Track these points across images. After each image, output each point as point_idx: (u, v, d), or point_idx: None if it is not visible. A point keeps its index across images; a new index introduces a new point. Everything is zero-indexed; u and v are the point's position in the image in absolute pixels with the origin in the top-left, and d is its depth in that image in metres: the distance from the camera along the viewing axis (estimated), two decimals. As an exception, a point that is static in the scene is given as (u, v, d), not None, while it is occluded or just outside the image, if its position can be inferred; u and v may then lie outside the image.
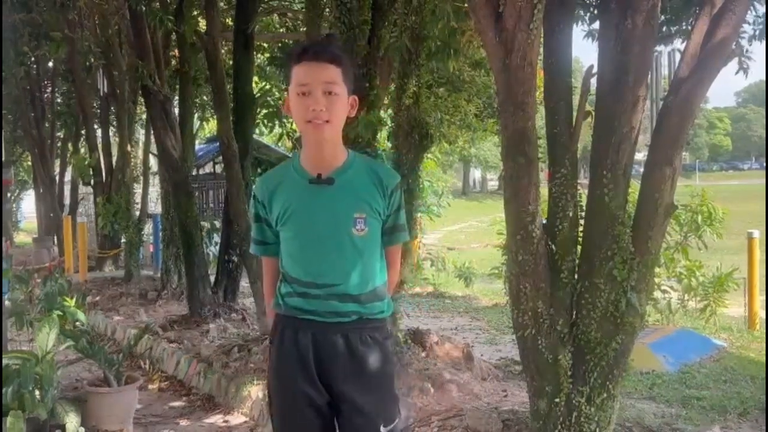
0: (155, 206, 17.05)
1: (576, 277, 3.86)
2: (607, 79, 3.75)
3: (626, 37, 3.64)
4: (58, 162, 20.08)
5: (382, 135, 8.66)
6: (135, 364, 7.39)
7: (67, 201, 19.42)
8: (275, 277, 2.74)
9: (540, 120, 3.92)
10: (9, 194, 24.51)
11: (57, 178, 19.61)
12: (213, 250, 10.80)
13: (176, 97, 10.49)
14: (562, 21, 3.90)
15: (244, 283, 9.08)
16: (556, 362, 3.78)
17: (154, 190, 16.89)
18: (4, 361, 4.75)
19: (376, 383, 2.60)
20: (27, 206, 30.21)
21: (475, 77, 11.71)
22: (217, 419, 5.83)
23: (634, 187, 3.88)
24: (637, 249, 3.70)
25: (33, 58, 15.62)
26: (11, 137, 18.85)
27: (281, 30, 12.63)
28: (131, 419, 5.54)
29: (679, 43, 5.54)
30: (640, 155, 4.34)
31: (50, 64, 16.95)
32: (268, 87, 14.61)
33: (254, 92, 10.04)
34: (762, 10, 5.21)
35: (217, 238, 10.47)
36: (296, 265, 2.60)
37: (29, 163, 22.09)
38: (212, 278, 9.23)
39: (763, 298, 8.92)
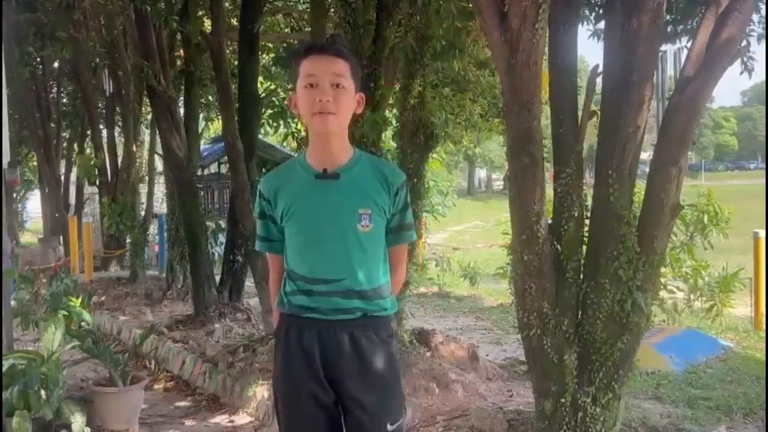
0: (160, 206, 17.05)
1: (581, 277, 3.85)
2: (613, 79, 3.74)
3: (632, 37, 3.63)
4: (63, 162, 20.11)
5: (387, 135, 8.66)
6: (140, 364, 7.40)
7: (72, 201, 19.44)
8: (281, 275, 2.74)
9: (545, 120, 3.92)
10: (15, 194, 24.52)
11: (62, 178, 19.63)
12: (218, 250, 10.80)
13: (181, 98, 10.50)
14: (568, 21, 3.90)
15: (249, 283, 9.08)
16: (562, 362, 3.78)
17: (160, 190, 16.89)
18: (11, 361, 4.76)
19: (382, 381, 2.59)
20: (33, 206, 30.26)
21: (480, 77, 11.69)
22: (222, 419, 5.83)
23: (640, 187, 3.87)
24: (643, 249, 3.69)
25: (38, 59, 15.67)
26: (17, 137, 18.89)
27: (286, 30, 12.63)
28: (137, 419, 5.54)
29: (684, 43, 5.53)
30: (646, 155, 4.33)
31: (56, 64, 16.99)
32: (273, 87, 14.60)
33: (259, 92, 10.05)
34: (764, 10, 5.20)
35: (222, 238, 10.46)
36: (301, 261, 2.61)
37: (35, 163, 22.14)
38: (217, 278, 9.23)
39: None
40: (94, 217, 18.19)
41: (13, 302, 5.58)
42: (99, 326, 8.97)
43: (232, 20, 11.11)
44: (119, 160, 14.39)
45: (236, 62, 9.75)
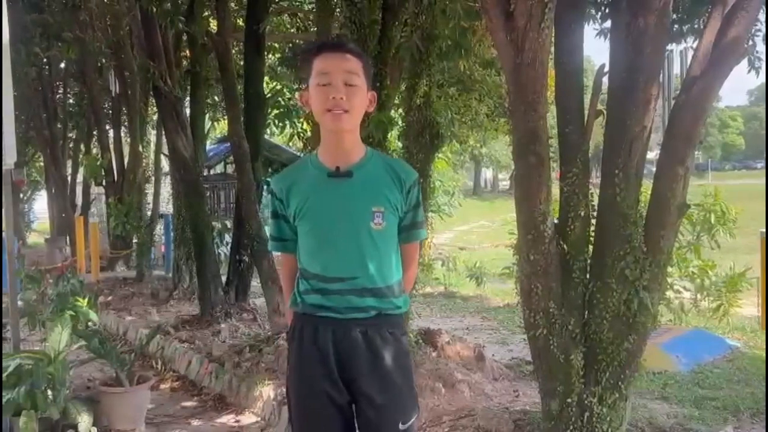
0: (166, 206, 17.09)
1: (588, 276, 3.85)
2: (619, 78, 3.73)
3: (638, 36, 3.62)
4: (70, 162, 20.15)
5: (393, 135, 8.66)
6: (147, 364, 7.41)
7: (79, 201, 19.48)
8: (293, 274, 2.74)
9: (551, 119, 3.91)
10: (21, 195, 24.60)
11: (69, 178, 19.67)
12: (224, 250, 10.80)
13: (187, 98, 10.51)
14: (573, 20, 3.89)
15: (255, 283, 9.09)
16: (568, 362, 3.77)
17: (166, 190, 16.92)
18: (18, 361, 4.77)
19: (395, 380, 2.59)
20: (39, 207, 30.32)
21: (486, 77, 11.68)
22: (228, 419, 5.84)
23: (646, 187, 3.86)
24: (650, 248, 3.69)
25: (45, 59, 15.68)
26: (23, 138, 18.93)
27: (292, 30, 12.64)
28: (143, 419, 5.55)
29: (691, 42, 5.52)
30: (652, 154, 4.32)
31: (62, 65, 17.01)
32: (279, 87, 14.64)
33: (265, 92, 10.05)
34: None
35: (228, 238, 10.48)
36: (314, 259, 2.60)
37: (41, 163, 22.19)
38: (223, 278, 9.24)
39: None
40: (101, 217, 18.20)
41: (20, 302, 5.59)
42: (105, 326, 8.99)
43: (237, 20, 11.13)
44: (125, 160, 14.41)
45: (242, 62, 9.76)
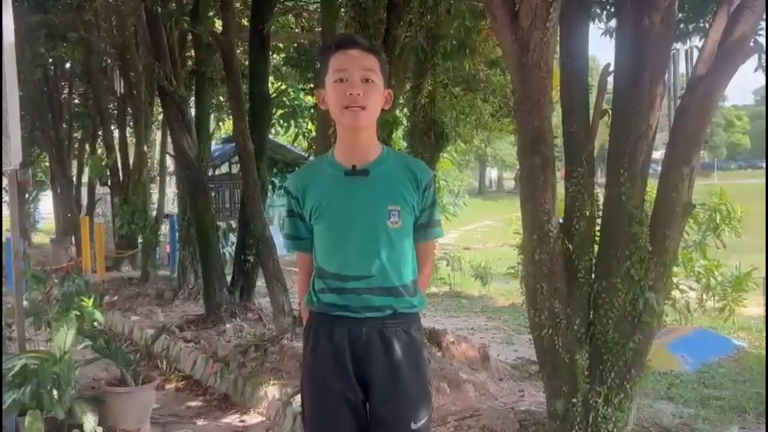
0: (172, 206, 17.09)
1: (593, 276, 3.84)
2: (624, 78, 3.73)
3: (643, 36, 3.62)
4: (75, 163, 20.18)
5: (398, 134, 8.66)
6: (152, 364, 7.41)
7: (84, 202, 19.50)
8: (309, 273, 2.73)
9: (556, 118, 3.91)
10: (27, 195, 24.63)
11: (74, 178, 19.70)
12: (229, 250, 10.80)
13: (192, 98, 10.52)
14: (579, 19, 3.89)
15: (261, 283, 9.09)
16: (573, 362, 3.77)
17: (171, 190, 16.94)
18: (23, 361, 4.78)
19: (409, 379, 2.58)
20: (45, 207, 30.35)
21: (491, 76, 11.66)
22: (233, 419, 5.84)
23: (652, 186, 3.86)
24: (655, 248, 3.68)
25: (50, 60, 15.71)
26: (29, 138, 18.93)
27: (297, 30, 12.64)
28: (148, 419, 5.55)
29: (696, 41, 5.51)
30: (658, 154, 4.31)
31: (67, 65, 17.04)
32: (283, 87, 14.64)
33: (270, 92, 10.06)
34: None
35: (233, 238, 10.47)
36: (330, 258, 2.60)
37: (47, 163, 22.21)
38: (228, 278, 9.24)
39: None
40: (106, 217, 18.23)
41: (25, 302, 5.61)
42: (111, 326, 9.00)
43: (242, 20, 11.13)
44: (131, 160, 14.42)
45: (247, 62, 9.76)
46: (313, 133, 13.01)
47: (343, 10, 7.11)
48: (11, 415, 4.67)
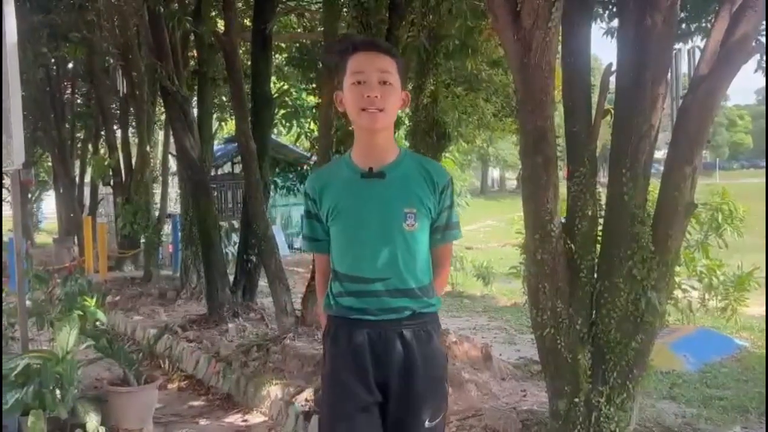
0: (174, 206, 17.10)
1: (595, 276, 3.84)
2: (627, 77, 3.73)
3: (645, 35, 3.62)
4: (77, 163, 20.19)
5: (400, 134, 8.66)
6: (155, 364, 7.42)
7: (87, 201, 19.51)
8: (326, 275, 2.72)
9: (558, 118, 3.91)
10: (30, 195, 24.66)
11: (77, 178, 19.70)
12: (231, 249, 10.81)
13: (195, 98, 10.52)
14: (581, 19, 3.89)
15: (263, 283, 9.09)
16: (576, 362, 3.77)
17: (174, 190, 16.94)
18: (26, 361, 4.79)
19: (427, 379, 2.58)
20: (47, 207, 30.37)
21: (493, 76, 11.68)
22: (236, 419, 5.85)
23: (654, 186, 3.86)
24: (657, 248, 3.68)
25: (53, 60, 15.72)
26: (31, 138, 18.94)
27: (299, 30, 12.65)
28: (151, 418, 5.56)
29: (698, 41, 5.51)
30: (660, 154, 4.32)
31: (70, 65, 17.05)
32: (286, 87, 14.65)
33: (272, 92, 10.06)
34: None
35: (235, 237, 10.48)
36: (347, 260, 2.60)
37: (49, 163, 22.20)
38: (231, 278, 9.25)
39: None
40: (109, 217, 18.23)
41: (28, 302, 5.61)
42: (113, 326, 9.01)
43: (245, 20, 11.14)
44: (133, 160, 14.42)
45: (249, 62, 9.77)
46: (315, 133, 13.03)
47: (345, 10, 7.13)
48: (14, 414, 4.68)
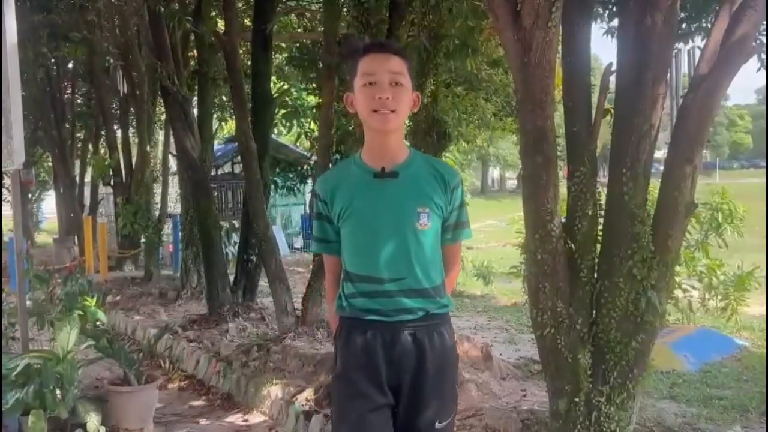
0: (175, 206, 17.10)
1: (595, 276, 3.84)
2: (627, 77, 3.73)
3: (645, 35, 3.62)
4: (78, 162, 20.19)
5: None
6: (155, 364, 7.43)
7: (87, 201, 19.51)
8: (337, 276, 2.72)
9: (559, 118, 3.91)
10: (30, 195, 24.66)
11: (77, 178, 19.71)
12: (232, 249, 10.81)
13: (195, 98, 10.53)
14: (581, 19, 3.89)
15: (263, 283, 9.09)
16: (576, 361, 3.77)
17: (174, 190, 16.95)
18: (26, 361, 4.79)
19: (439, 380, 2.59)
20: (48, 207, 30.38)
21: (493, 76, 11.69)
22: (236, 418, 5.85)
23: (654, 186, 3.86)
24: (657, 248, 3.68)
25: (53, 60, 15.72)
26: (32, 138, 18.95)
27: (299, 30, 12.65)
28: (151, 418, 5.56)
29: (698, 41, 5.50)
30: (660, 153, 4.31)
31: (70, 65, 17.05)
32: (286, 87, 14.65)
33: (273, 92, 10.06)
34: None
35: (235, 237, 10.47)
36: (360, 261, 2.59)
37: (50, 163, 22.21)
38: (231, 278, 9.25)
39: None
40: (109, 217, 18.23)
41: (28, 302, 5.61)
42: (114, 326, 9.02)
43: (245, 20, 11.14)
44: (133, 160, 14.44)
45: (249, 62, 9.77)
46: (315, 133, 13.04)
47: (345, 10, 7.13)
48: (14, 414, 4.68)
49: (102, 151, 17.83)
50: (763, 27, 4.67)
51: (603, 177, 4.00)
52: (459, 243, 2.76)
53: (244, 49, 10.71)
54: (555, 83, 3.70)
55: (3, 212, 21.06)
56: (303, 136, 15.25)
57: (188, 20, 8.52)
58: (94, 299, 5.70)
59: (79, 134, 19.68)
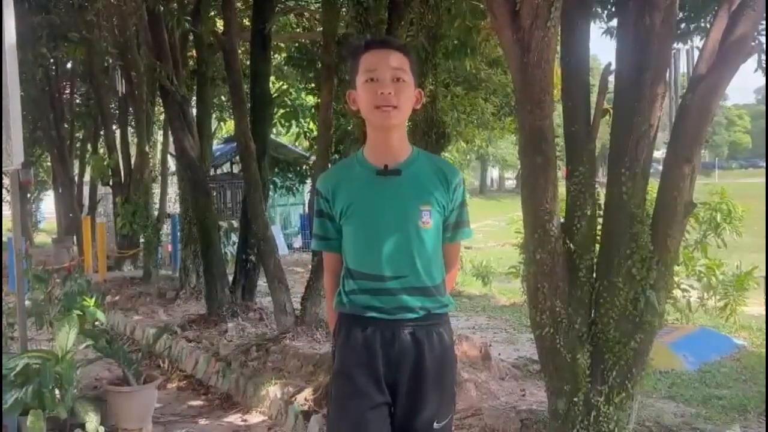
0: (173, 206, 17.10)
1: (594, 275, 3.84)
2: (626, 77, 3.73)
3: (644, 35, 3.62)
4: (77, 162, 20.19)
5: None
6: (154, 364, 7.43)
7: (86, 201, 19.51)
8: (337, 274, 2.72)
9: (558, 118, 3.91)
10: (29, 195, 24.64)
11: (76, 178, 19.71)
12: (231, 249, 10.82)
13: (194, 98, 10.53)
14: (580, 19, 3.88)
15: (262, 283, 9.10)
16: (575, 361, 3.77)
17: (173, 190, 16.94)
18: (25, 361, 4.79)
19: (437, 380, 2.58)
20: (47, 206, 30.37)
21: (492, 76, 11.70)
22: (235, 418, 5.85)
23: (653, 186, 3.86)
24: (656, 247, 3.68)
25: (51, 60, 15.71)
26: (30, 138, 18.94)
27: (298, 30, 12.65)
28: (150, 418, 5.56)
29: (697, 41, 5.50)
30: (659, 153, 4.31)
31: (69, 65, 17.05)
32: (285, 87, 14.65)
33: (271, 92, 10.06)
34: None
35: (234, 237, 10.48)
36: (362, 258, 2.59)
37: (48, 163, 22.21)
38: (230, 278, 9.25)
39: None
40: (108, 217, 18.23)
41: (27, 302, 5.61)
42: (113, 326, 9.01)
43: (244, 20, 11.14)
44: (132, 160, 14.44)
45: (248, 62, 9.77)
46: (314, 133, 13.04)
47: (344, 9, 7.13)
48: (13, 414, 4.68)
49: (101, 151, 17.82)
50: (762, 27, 4.67)
51: (602, 177, 4.00)
52: (459, 242, 2.76)
53: (243, 49, 10.72)
54: (554, 83, 3.71)
55: (2, 212, 21.06)
56: (302, 135, 15.25)
57: (187, 20, 8.52)
58: (93, 299, 5.70)
59: (78, 134, 19.67)
